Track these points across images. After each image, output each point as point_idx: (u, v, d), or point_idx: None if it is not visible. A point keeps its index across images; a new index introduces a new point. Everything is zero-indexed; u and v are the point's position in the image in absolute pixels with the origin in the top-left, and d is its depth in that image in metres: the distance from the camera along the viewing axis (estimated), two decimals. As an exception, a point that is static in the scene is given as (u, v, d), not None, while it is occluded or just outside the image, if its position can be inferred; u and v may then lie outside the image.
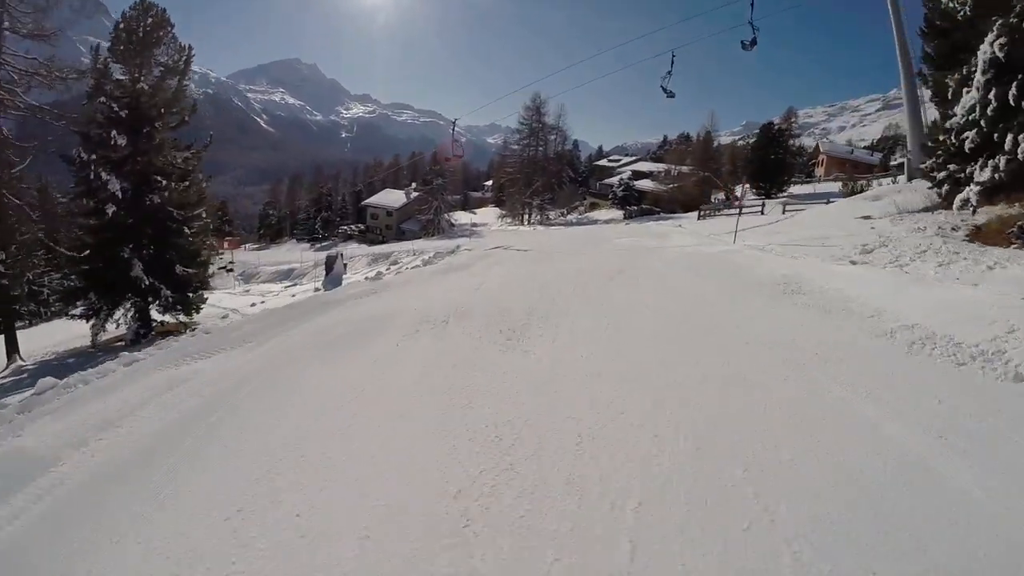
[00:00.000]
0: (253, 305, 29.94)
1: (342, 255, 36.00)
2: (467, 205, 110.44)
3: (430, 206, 76.49)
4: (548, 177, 76.76)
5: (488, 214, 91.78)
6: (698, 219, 45.79)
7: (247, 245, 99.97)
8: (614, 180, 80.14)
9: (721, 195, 65.89)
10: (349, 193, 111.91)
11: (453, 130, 30.88)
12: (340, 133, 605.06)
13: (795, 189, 62.51)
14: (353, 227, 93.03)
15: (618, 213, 69.30)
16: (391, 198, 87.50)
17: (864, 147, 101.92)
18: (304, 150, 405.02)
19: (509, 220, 77.07)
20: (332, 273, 32.09)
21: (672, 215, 58.24)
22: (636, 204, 69.06)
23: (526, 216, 76.56)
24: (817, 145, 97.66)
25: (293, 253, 73.67)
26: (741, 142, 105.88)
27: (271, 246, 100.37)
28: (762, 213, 39.79)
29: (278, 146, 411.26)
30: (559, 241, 35.43)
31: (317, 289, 30.63)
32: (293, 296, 31.07)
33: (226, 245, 70.72)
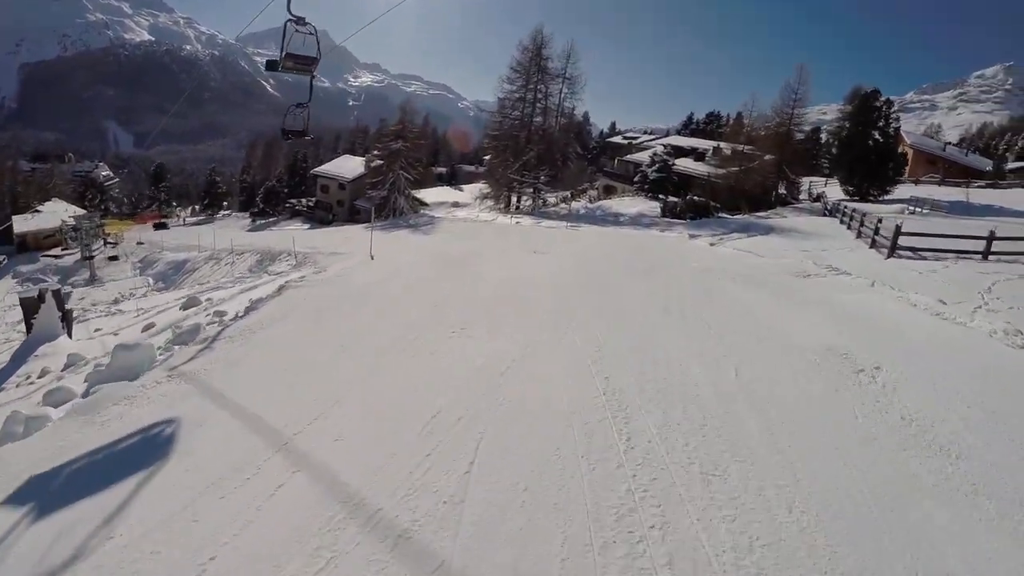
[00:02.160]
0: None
1: (57, 293, 17.33)
2: (454, 180, 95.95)
3: (385, 178, 55.31)
4: (548, 145, 55.68)
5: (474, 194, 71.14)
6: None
7: (186, 217, 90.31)
8: (642, 156, 57.83)
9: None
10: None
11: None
12: (347, 101, 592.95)
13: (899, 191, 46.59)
14: (303, 201, 76.11)
15: (648, 204, 48.17)
16: (346, 167, 67.39)
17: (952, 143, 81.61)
18: (310, 116, 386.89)
19: (491, 204, 56.32)
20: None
21: (735, 216, 41.56)
22: (677, 193, 48.46)
23: (513, 200, 55.32)
24: (898, 134, 73.32)
25: (221, 231, 58.66)
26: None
27: (215, 219, 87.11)
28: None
29: (282, 111, 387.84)
30: (561, 265, 21.99)
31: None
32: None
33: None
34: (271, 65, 13.15)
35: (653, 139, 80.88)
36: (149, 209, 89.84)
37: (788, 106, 48.29)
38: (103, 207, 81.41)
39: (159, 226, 51.45)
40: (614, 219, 43.65)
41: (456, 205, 64.68)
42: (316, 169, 73.49)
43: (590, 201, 57.25)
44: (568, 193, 58.27)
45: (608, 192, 59.29)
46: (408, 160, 55.57)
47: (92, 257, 45.49)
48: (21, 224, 60.94)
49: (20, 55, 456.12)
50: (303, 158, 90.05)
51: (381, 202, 55.69)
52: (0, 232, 57.37)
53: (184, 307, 18.66)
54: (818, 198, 47.06)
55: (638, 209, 47.39)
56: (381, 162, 56.28)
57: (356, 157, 70.28)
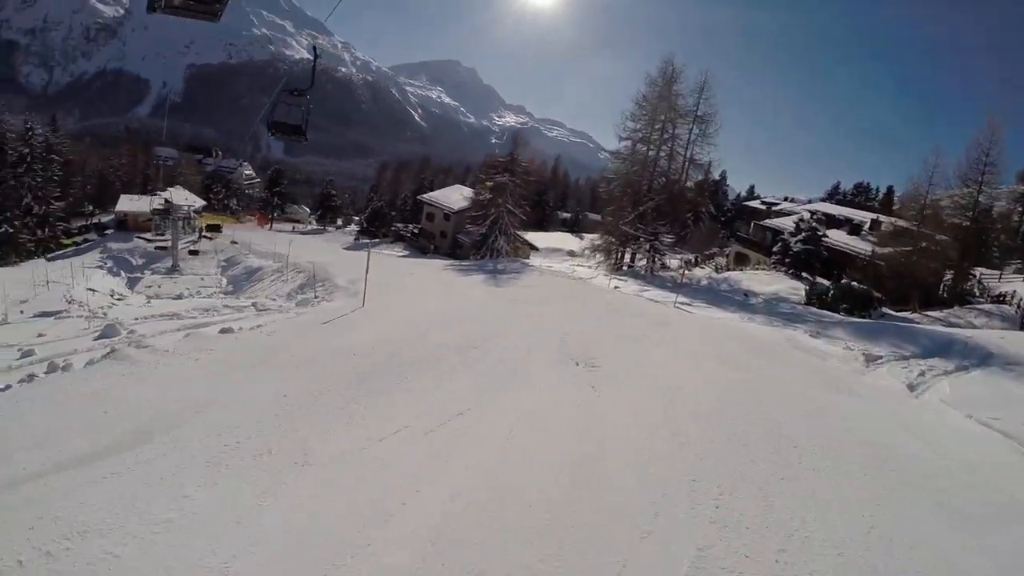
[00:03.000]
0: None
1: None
2: (577, 227, 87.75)
3: (487, 213, 49.58)
4: (671, 196, 48.41)
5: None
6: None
7: (298, 225, 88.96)
8: (784, 223, 48.71)
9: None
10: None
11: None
12: (490, 138, 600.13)
13: None
14: (410, 227, 72.02)
15: (788, 283, 39.16)
16: (453, 197, 62.67)
17: None
18: (452, 148, 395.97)
19: (601, 259, 49.16)
20: None
21: (903, 312, 32.76)
22: (826, 273, 39.85)
23: (627, 256, 48.35)
24: None
25: (316, 243, 61.03)
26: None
27: (324, 231, 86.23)
28: None
29: (427, 140, 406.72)
30: (612, 416, 11.86)
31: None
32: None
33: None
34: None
35: (796, 207, 71.34)
36: (264, 211, 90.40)
37: (976, 171, 37.41)
38: (225, 203, 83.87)
39: (212, 227, 48.80)
40: (742, 299, 35.21)
41: (571, 255, 58.95)
42: (424, 196, 69.23)
43: (716, 269, 48.68)
44: (692, 257, 50.54)
45: (740, 261, 50.50)
46: (515, 197, 49.66)
47: (177, 247, 44.74)
48: (126, 204, 62.55)
49: (188, 56, 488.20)
50: (430, 185, 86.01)
51: (480, 239, 50.18)
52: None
53: (98, 336, 15.93)
54: (1001, 299, 36.05)
55: (775, 288, 38.24)
56: (484, 196, 50.81)
57: (467, 188, 65.38)
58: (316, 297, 23.17)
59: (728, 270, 47.40)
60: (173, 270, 42.37)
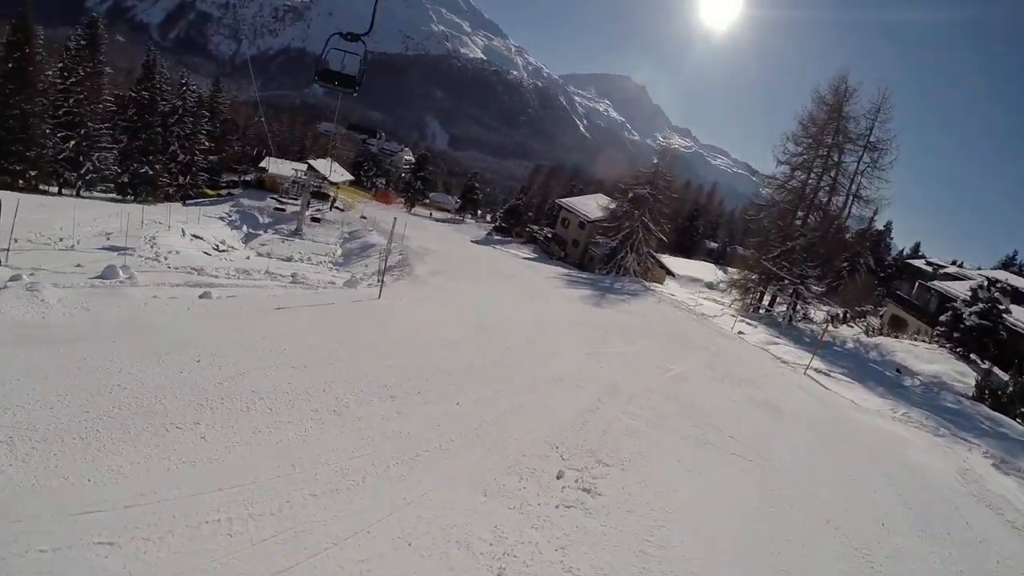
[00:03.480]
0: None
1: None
2: (723, 259, 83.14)
3: (621, 226, 46.27)
4: (826, 236, 41.34)
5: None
6: None
7: (435, 213, 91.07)
8: (955, 288, 41.16)
9: None
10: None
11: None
12: (652, 158, 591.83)
13: None
14: (544, 230, 70.53)
15: (954, 365, 30.61)
16: (591, 205, 59.41)
17: None
18: (613, 163, 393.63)
19: (735, 296, 44.02)
20: None
21: None
22: (1006, 359, 31.96)
23: (766, 298, 43.39)
24: None
25: (445, 231, 63.16)
26: None
27: (463, 221, 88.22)
28: None
29: (589, 151, 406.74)
30: None
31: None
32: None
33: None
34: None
35: (970, 271, 62.53)
36: (403, 193, 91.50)
37: None
38: (373, 181, 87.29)
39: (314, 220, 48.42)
40: (894, 376, 27.42)
41: (708, 287, 54.94)
42: (562, 200, 66.84)
43: (867, 332, 41.70)
44: (840, 312, 44.73)
45: (896, 326, 43.16)
46: (654, 213, 46.03)
47: (304, 212, 46.22)
48: (269, 165, 65.21)
49: (367, 44, 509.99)
50: (579, 191, 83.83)
51: (608, 253, 46.93)
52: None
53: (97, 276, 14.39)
54: None
55: (936, 369, 29.54)
56: (621, 207, 47.47)
57: (603, 197, 62.15)
58: (379, 279, 20.09)
59: (881, 334, 40.72)
60: (295, 233, 42.89)
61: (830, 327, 37.96)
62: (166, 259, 22.88)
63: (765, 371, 22.06)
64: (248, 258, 31.17)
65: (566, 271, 44.88)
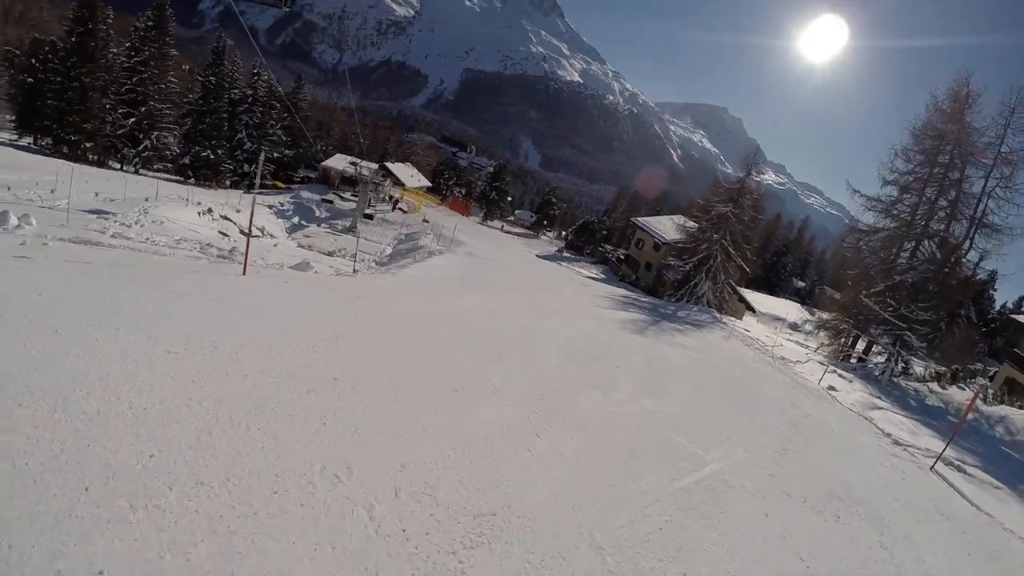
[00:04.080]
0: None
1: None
2: (811, 299, 76.79)
3: (697, 248, 41.07)
4: (941, 271, 32.36)
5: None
6: None
7: (505, 224, 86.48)
8: None
9: None
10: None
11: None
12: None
13: None
14: (618, 251, 66.67)
15: None
16: (667, 226, 54.71)
17: None
18: (703, 194, 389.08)
19: (824, 340, 37.03)
20: None
21: None
22: None
23: (860, 345, 36.37)
24: None
25: (515, 244, 61.88)
26: None
27: (536, 236, 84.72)
28: None
29: (680, 181, 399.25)
30: None
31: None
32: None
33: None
34: None
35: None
36: (474, 202, 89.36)
37: None
38: (448, 189, 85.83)
39: (367, 216, 46.73)
40: None
41: (793, 328, 49.17)
42: (638, 219, 61.64)
43: (984, 399, 31.32)
44: (945, 370, 37.52)
45: (1012, 390, 35.49)
46: (736, 237, 40.60)
47: (361, 209, 45.28)
48: (335, 161, 63.28)
49: (467, 61, 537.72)
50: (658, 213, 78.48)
51: (683, 277, 41.81)
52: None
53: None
54: None
55: None
56: (698, 226, 42.27)
57: (681, 217, 57.16)
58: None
59: (999, 402, 32.56)
60: (349, 230, 42.33)
61: (936, 386, 31.18)
62: (140, 225, 20.88)
63: (872, 464, 13.04)
64: (276, 244, 31.00)
65: (628, 293, 39.99)
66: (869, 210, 35.20)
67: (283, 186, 59.51)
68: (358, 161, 50.05)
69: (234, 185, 56.07)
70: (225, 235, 27.38)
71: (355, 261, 17.38)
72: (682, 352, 20.35)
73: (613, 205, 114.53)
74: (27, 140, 49.99)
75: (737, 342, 27.45)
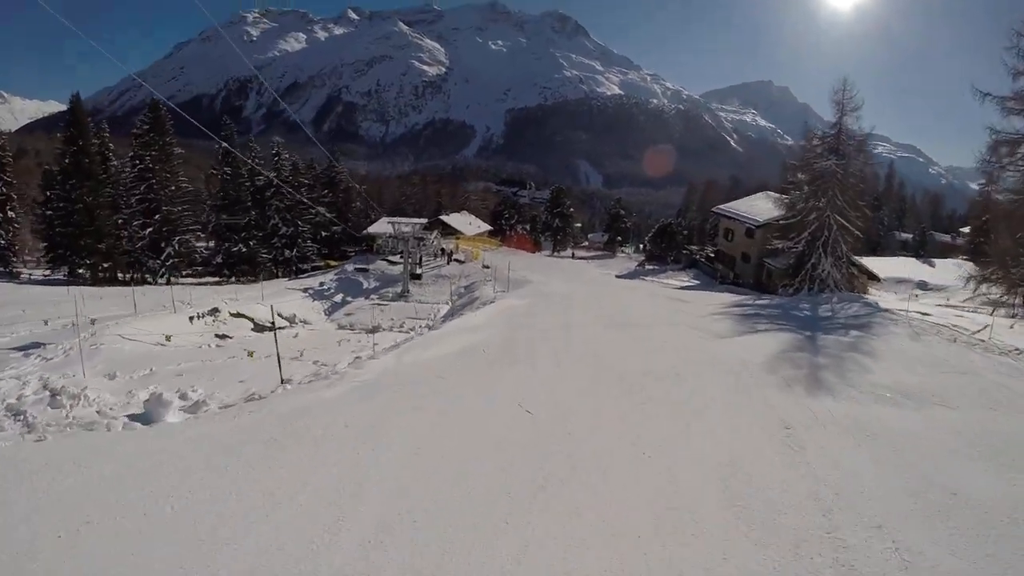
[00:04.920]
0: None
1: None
2: (923, 251, 69.22)
3: (804, 221, 33.92)
4: None
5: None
6: None
7: (574, 252, 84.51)
8: None
9: None
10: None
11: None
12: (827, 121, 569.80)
13: None
14: (705, 250, 61.16)
15: None
16: (759, 206, 48.10)
17: None
18: (772, 173, 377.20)
19: (989, 293, 29.54)
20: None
21: None
22: None
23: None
24: None
25: (591, 269, 56.78)
26: None
27: (617, 254, 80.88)
28: None
29: (745, 166, 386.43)
30: None
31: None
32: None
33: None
34: None
35: None
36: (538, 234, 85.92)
37: None
38: (508, 228, 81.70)
39: (414, 277, 42.68)
40: None
41: (923, 287, 43.24)
42: (720, 206, 54.84)
43: None
44: None
45: None
46: (847, 196, 33.33)
47: (412, 272, 42.01)
48: (379, 226, 59.96)
49: (507, 102, 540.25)
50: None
51: (792, 264, 34.89)
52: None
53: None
54: None
55: None
56: (799, 194, 35.11)
57: (773, 195, 49.95)
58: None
59: None
60: (401, 296, 39.60)
61: None
62: (66, 355, 16.78)
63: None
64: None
65: (737, 298, 31.96)
66: (1012, 113, 25.14)
67: (336, 264, 56.63)
68: (398, 220, 46.27)
69: (279, 275, 54.54)
70: (226, 338, 23.53)
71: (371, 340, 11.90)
72: (909, 408, 10.88)
73: (685, 205, 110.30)
74: (61, 273, 48.54)
75: (936, 339, 17.67)
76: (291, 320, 30.85)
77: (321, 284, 43.82)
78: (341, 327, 30.81)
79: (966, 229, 72.19)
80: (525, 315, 20.98)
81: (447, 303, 35.46)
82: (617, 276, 50.80)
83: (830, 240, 32.83)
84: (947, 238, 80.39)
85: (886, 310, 23.08)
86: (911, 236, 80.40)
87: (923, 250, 68.92)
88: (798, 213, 34.45)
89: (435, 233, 50.39)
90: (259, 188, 55.02)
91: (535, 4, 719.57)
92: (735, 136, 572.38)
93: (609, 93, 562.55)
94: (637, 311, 24.88)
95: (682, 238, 67.37)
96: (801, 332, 18.67)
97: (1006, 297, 29.01)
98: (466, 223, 70.65)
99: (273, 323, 19.43)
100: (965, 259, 49.71)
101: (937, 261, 55.47)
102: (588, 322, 20.30)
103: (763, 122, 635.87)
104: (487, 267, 44.85)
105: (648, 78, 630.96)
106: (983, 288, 29.84)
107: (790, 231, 35.19)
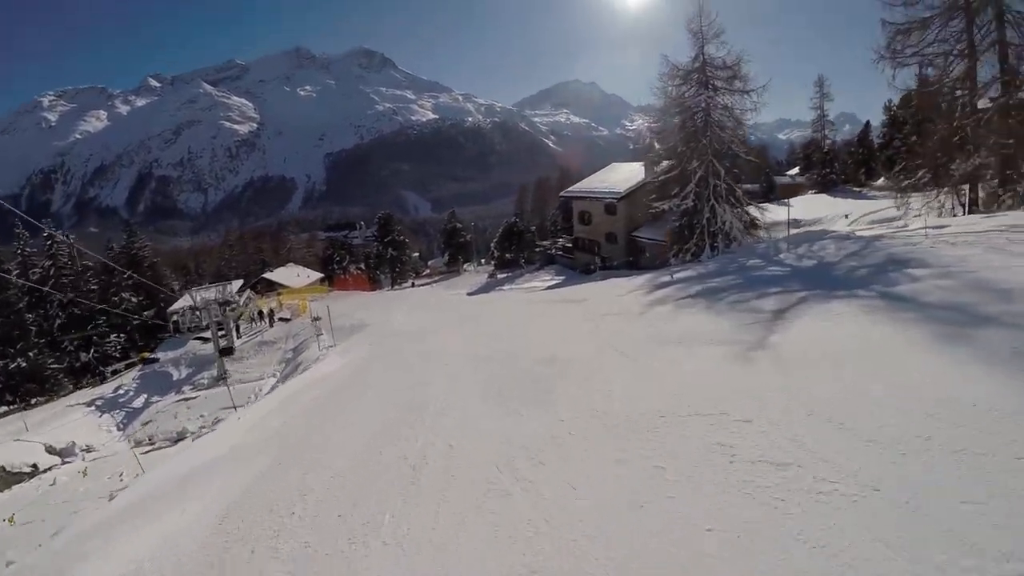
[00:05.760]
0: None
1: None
2: (773, 193, 65.55)
3: (682, 174, 27.23)
4: None
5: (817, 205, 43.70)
6: None
7: (425, 272, 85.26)
8: None
9: None
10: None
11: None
12: (628, 145, 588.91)
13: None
14: (559, 243, 56.60)
15: None
16: (612, 178, 42.49)
17: None
18: (594, 165, 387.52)
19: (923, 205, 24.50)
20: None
21: None
22: None
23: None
24: None
25: (438, 292, 50.50)
26: None
27: (453, 274, 75.29)
28: None
29: (567, 162, 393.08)
30: None
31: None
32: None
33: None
34: None
35: None
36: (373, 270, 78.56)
37: None
38: (341, 271, 75.02)
39: (224, 353, 34.98)
40: None
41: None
42: (568, 189, 48.83)
43: None
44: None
45: None
46: (726, 131, 27.02)
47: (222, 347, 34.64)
48: (183, 302, 47.94)
49: (323, 147, 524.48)
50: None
51: (683, 222, 28.16)
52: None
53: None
54: None
55: None
56: (670, 145, 28.62)
57: (632, 164, 43.58)
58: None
59: None
60: (219, 380, 32.58)
61: None
62: None
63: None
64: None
65: (633, 281, 23.67)
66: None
67: (149, 356, 44.97)
68: (199, 288, 37.54)
69: (83, 385, 44.09)
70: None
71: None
72: None
73: (520, 209, 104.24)
74: None
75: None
76: (64, 453, 24.96)
77: (117, 389, 35.53)
78: (138, 443, 25.64)
79: (795, 171, 79.84)
80: (347, 385, 12.89)
81: (273, 375, 30.78)
82: (469, 294, 42.86)
83: (722, 186, 26.29)
84: (787, 179, 79.69)
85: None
86: (758, 185, 79.60)
87: (772, 194, 66.87)
88: (678, 161, 27.74)
89: (246, 294, 41.10)
90: (33, 286, 44.38)
91: (339, 43, 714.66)
92: (552, 137, 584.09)
93: (424, 119, 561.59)
94: (538, 338, 15.56)
95: (531, 236, 61.56)
96: (759, 318, 11.40)
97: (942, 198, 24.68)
98: (293, 275, 64.58)
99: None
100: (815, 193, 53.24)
101: (792, 200, 52.69)
102: (460, 374, 12.29)
103: (576, 119, 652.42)
104: (317, 319, 36.35)
105: (460, 98, 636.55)
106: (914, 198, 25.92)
107: (670, 188, 28.49)
